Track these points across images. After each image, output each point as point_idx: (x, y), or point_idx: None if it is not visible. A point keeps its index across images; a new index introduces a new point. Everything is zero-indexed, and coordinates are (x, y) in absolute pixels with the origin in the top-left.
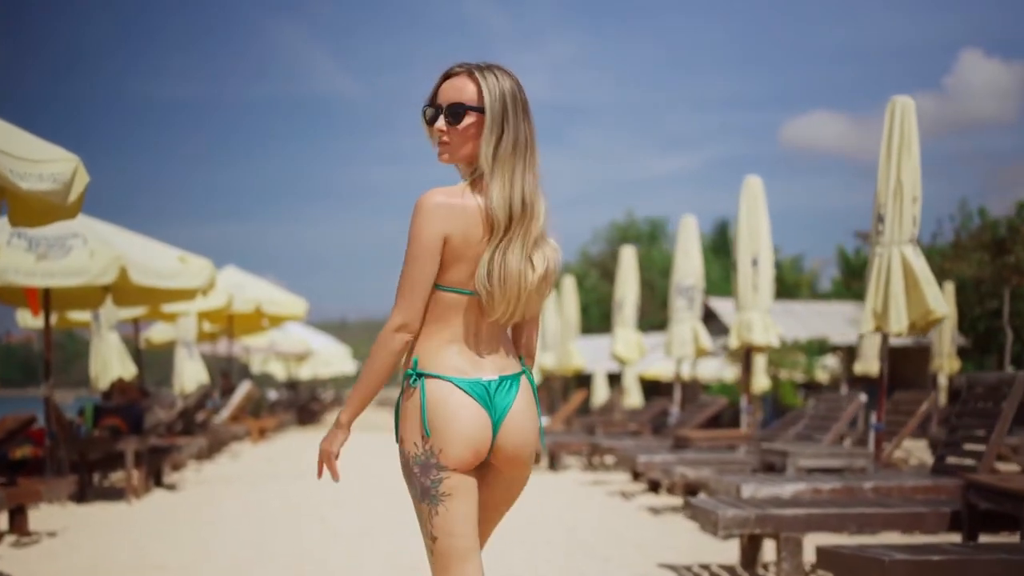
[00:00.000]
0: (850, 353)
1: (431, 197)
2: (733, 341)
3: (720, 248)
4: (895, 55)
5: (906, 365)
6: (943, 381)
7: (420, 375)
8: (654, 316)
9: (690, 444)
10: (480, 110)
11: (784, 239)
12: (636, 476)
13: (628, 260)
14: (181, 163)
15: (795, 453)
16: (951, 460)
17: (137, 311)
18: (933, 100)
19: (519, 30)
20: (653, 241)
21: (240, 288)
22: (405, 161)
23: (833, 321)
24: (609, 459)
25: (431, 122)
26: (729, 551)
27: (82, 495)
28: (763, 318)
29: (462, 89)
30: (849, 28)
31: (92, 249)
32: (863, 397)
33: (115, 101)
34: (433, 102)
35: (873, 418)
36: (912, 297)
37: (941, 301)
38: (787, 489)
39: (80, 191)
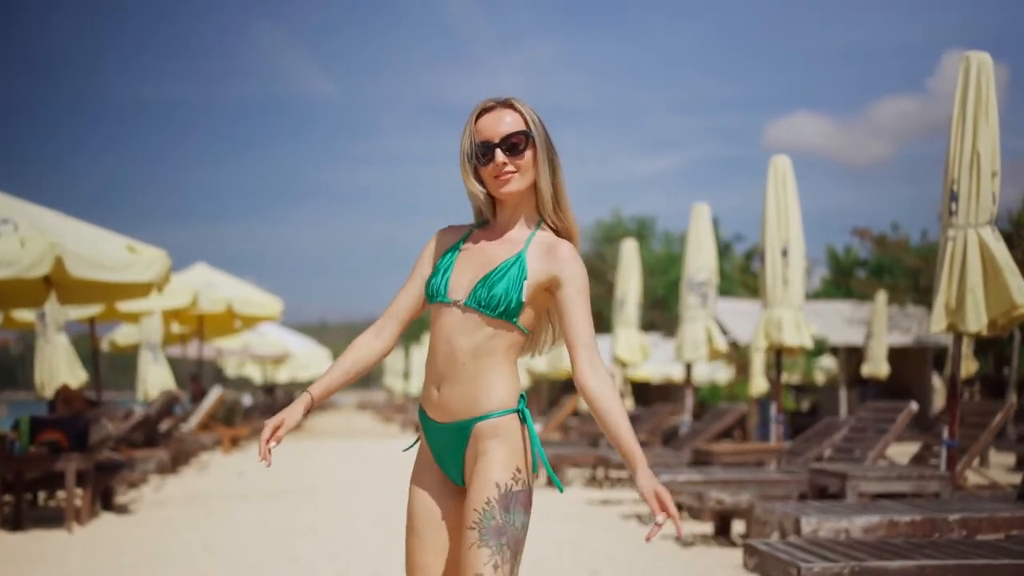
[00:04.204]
0: (849, 354)
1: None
2: (760, 342)
3: None
4: (878, 56)
5: (904, 366)
6: (936, 384)
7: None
8: (642, 317)
9: (712, 459)
10: (531, 136)
11: None
12: None
13: (629, 254)
14: (166, 165)
15: (856, 476)
16: None
17: (91, 310)
18: (917, 102)
19: (501, 32)
20: (641, 240)
21: (210, 287)
22: (389, 164)
23: (831, 321)
24: (615, 473)
25: (485, 161)
26: None
27: (17, 521)
28: (795, 316)
29: (510, 122)
30: (832, 30)
31: (23, 237)
32: (914, 405)
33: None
34: (477, 141)
35: (945, 433)
36: (992, 289)
37: None
38: (856, 523)
39: None
